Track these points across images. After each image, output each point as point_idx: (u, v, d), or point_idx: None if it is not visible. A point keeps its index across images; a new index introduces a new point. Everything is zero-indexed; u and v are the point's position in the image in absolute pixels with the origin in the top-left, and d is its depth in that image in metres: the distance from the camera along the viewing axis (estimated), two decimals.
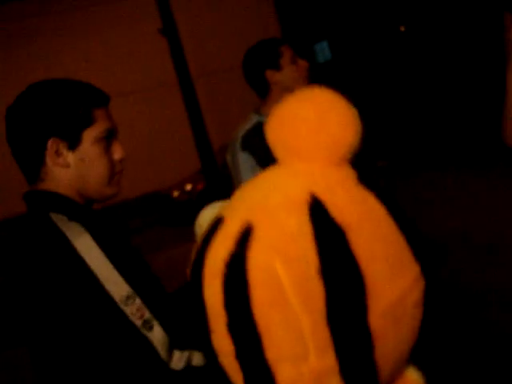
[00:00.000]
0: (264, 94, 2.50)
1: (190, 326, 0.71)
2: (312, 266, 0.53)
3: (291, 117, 0.61)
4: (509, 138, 2.36)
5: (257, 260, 0.54)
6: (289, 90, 2.48)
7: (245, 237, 0.55)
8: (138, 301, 1.08)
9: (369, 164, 6.76)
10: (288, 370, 0.54)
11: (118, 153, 1.13)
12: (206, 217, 0.72)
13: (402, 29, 6.53)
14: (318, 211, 0.56)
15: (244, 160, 2.34)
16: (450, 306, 3.59)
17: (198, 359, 1.10)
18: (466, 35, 5.74)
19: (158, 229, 7.75)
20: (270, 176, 0.62)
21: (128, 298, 1.06)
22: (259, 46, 2.57)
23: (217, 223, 0.59)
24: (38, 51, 9.60)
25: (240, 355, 0.56)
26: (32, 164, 1.06)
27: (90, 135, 1.09)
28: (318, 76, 5.97)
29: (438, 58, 6.29)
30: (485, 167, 5.39)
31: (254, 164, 2.35)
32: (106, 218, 1.19)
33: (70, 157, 1.06)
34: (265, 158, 1.89)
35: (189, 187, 7.78)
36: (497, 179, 4.79)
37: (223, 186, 5.95)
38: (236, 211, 0.59)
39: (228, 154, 2.42)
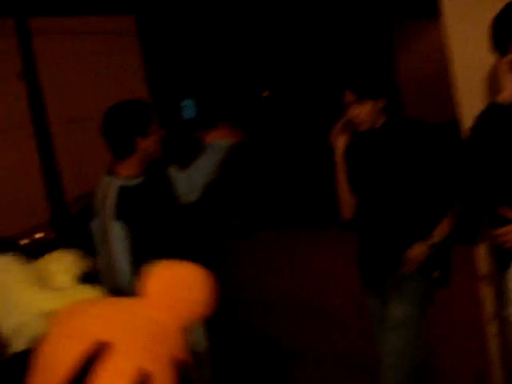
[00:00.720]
0: (123, 156, 2.46)
1: None
2: None
3: (179, 285, 0.68)
4: (344, 216, 2.67)
5: None
6: (150, 156, 2.50)
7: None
8: None
9: (226, 223, 6.91)
10: None
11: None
12: (53, 259, 0.74)
13: (266, 94, 6.82)
14: (183, 375, 0.63)
15: (117, 231, 2.28)
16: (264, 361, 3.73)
17: None
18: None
19: None
20: (146, 315, 0.67)
21: None
22: (129, 110, 2.53)
23: (101, 348, 0.60)
24: None
25: None
26: None
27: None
28: (182, 132, 5.95)
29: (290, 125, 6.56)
30: (319, 228, 5.63)
31: (128, 234, 2.30)
32: None
33: None
34: (140, 226, 1.92)
35: (38, 236, 7.40)
36: (328, 241, 4.99)
37: (74, 237, 5.73)
38: (126, 345, 0.62)
39: (94, 222, 2.35)
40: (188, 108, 7.79)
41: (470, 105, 2.44)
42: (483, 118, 2.01)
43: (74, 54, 11.95)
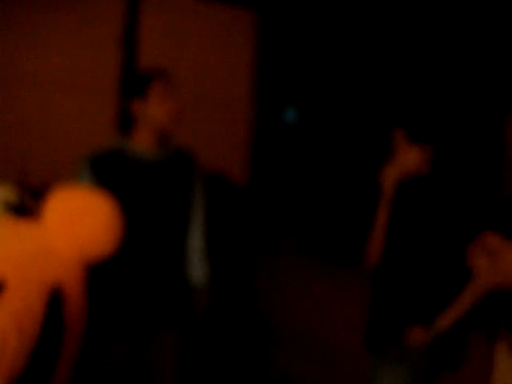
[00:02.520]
0: (130, 124, 2.34)
1: None
2: (28, 348, 0.60)
3: (76, 206, 0.68)
4: (368, 263, 2.40)
5: None
6: (158, 125, 2.30)
7: None
8: None
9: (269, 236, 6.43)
10: None
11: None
12: None
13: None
14: (54, 304, 0.63)
15: (84, 173, 2.21)
16: None
17: None
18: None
19: None
20: (34, 235, 0.66)
21: None
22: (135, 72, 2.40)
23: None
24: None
25: None
26: None
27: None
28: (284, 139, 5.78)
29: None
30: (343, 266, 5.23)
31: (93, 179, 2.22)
32: None
33: None
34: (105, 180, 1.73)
35: None
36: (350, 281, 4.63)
37: None
38: None
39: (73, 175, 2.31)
40: (291, 114, 7.68)
41: None
42: None
43: (181, 33, 11.82)
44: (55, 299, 0.62)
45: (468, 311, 2.30)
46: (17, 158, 5.58)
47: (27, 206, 1.03)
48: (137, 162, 2.30)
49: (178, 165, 2.44)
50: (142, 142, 2.33)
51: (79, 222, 0.67)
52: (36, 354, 0.61)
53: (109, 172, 2.26)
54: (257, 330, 4.28)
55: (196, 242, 2.53)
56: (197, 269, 2.53)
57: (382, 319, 2.49)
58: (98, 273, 1.00)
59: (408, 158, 2.41)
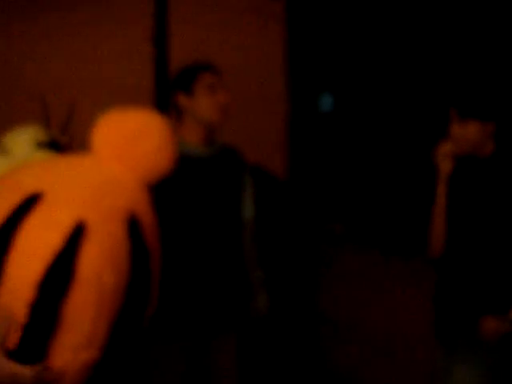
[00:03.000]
0: (175, 116, 2.25)
1: None
2: (123, 280, 0.59)
3: (128, 129, 0.65)
4: (432, 251, 2.25)
5: (88, 264, 0.57)
6: (204, 121, 2.19)
7: (77, 235, 0.57)
8: None
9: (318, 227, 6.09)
10: (67, 355, 0.54)
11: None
12: (16, 132, 0.82)
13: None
14: (135, 231, 0.61)
15: None
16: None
17: None
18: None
19: None
20: (92, 167, 0.64)
21: None
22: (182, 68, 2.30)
23: (33, 198, 0.58)
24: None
25: (30, 329, 0.55)
26: None
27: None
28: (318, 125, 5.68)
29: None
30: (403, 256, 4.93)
31: None
32: None
33: None
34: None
35: None
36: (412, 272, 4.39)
37: None
38: (62, 195, 0.59)
39: None
40: (326, 101, 7.57)
41: None
42: None
43: (212, 27, 11.70)
44: (134, 227, 0.62)
45: None
46: None
47: (60, 143, 1.04)
48: (187, 159, 2.20)
49: (226, 160, 2.35)
50: (190, 139, 2.24)
51: (134, 144, 0.65)
52: (130, 288, 0.60)
53: None
54: (316, 325, 4.15)
55: (249, 242, 2.44)
56: (253, 269, 2.44)
57: (451, 311, 2.36)
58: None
59: (462, 135, 2.27)
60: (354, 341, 4.06)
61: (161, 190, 2.21)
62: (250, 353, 3.44)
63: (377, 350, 3.88)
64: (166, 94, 7.00)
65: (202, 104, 2.22)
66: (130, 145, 0.65)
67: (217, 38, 9.45)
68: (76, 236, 0.58)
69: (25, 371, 0.57)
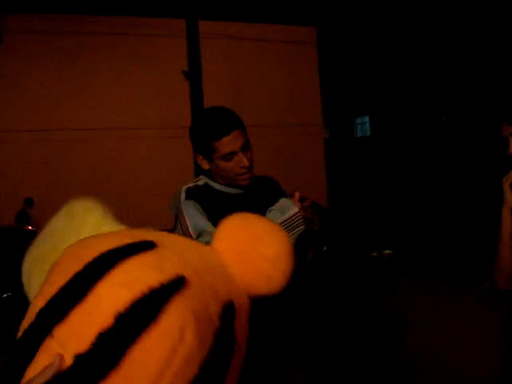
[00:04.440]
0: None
1: None
2: (202, 351, 0.57)
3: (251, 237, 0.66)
4: (499, 282, 2.08)
5: (173, 312, 0.56)
6: (227, 175, 2.11)
7: (175, 286, 0.57)
8: None
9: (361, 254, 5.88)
10: None
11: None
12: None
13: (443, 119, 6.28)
14: (227, 317, 0.60)
15: (187, 205, 2.06)
16: None
17: None
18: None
19: None
20: (205, 250, 0.65)
21: None
22: (205, 120, 2.20)
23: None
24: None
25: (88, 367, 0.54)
26: None
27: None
28: (354, 150, 5.63)
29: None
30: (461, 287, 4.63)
31: (200, 209, 2.09)
32: None
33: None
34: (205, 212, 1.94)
35: None
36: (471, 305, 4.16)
37: None
38: (197, 287, 0.59)
39: (172, 208, 2.15)
40: (363, 125, 7.44)
41: None
42: None
43: (242, 58, 11.75)
44: (228, 313, 0.60)
45: None
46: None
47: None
48: (224, 194, 2.13)
49: (263, 189, 2.26)
50: (222, 181, 2.17)
51: (256, 245, 0.65)
52: (206, 366, 0.57)
53: (205, 204, 2.10)
54: (385, 363, 3.95)
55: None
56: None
57: None
58: None
59: None
60: (424, 376, 3.86)
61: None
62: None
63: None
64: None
65: (223, 169, 2.13)
66: (253, 245, 0.65)
67: (250, 75, 9.36)
68: (173, 286, 0.57)
69: None
